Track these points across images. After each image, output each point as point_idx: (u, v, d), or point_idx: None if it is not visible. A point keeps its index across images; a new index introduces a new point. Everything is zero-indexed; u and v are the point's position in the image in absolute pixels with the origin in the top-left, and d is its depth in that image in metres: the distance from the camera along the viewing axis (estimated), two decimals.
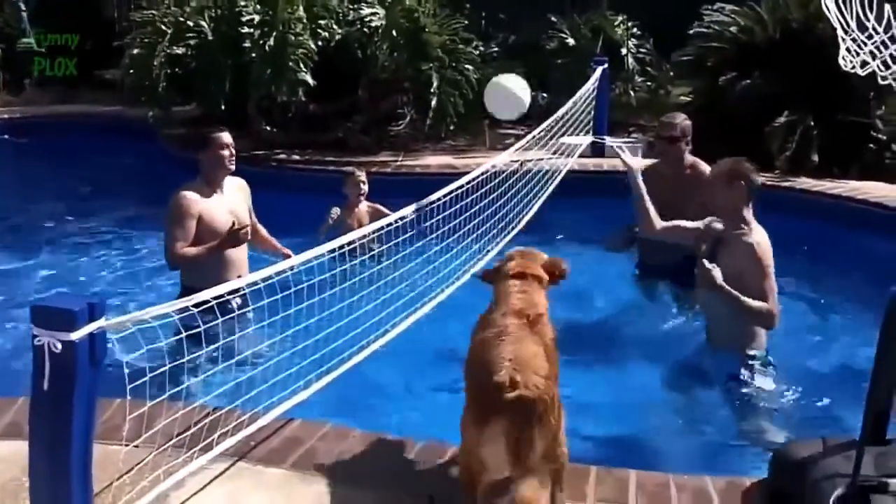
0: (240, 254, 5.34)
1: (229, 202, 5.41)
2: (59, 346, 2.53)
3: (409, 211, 4.64)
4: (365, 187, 6.74)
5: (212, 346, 3.45)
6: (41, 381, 2.57)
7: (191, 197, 5.21)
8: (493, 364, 2.86)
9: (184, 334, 3.16)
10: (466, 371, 3.12)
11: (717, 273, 4.52)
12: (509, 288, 3.35)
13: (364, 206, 6.71)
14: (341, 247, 4.01)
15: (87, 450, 2.67)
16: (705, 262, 4.56)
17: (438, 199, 4.83)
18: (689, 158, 6.00)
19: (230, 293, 3.49)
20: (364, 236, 4.27)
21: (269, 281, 3.52)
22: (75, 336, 2.54)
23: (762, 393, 4.54)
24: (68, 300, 2.60)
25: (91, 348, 2.59)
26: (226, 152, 5.33)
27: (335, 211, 6.56)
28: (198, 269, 5.08)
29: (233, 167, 5.39)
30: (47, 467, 2.67)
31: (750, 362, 4.61)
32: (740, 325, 4.62)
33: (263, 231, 5.73)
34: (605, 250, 6.52)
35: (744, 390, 4.56)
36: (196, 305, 3.14)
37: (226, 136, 5.37)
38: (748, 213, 4.69)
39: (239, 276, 4.88)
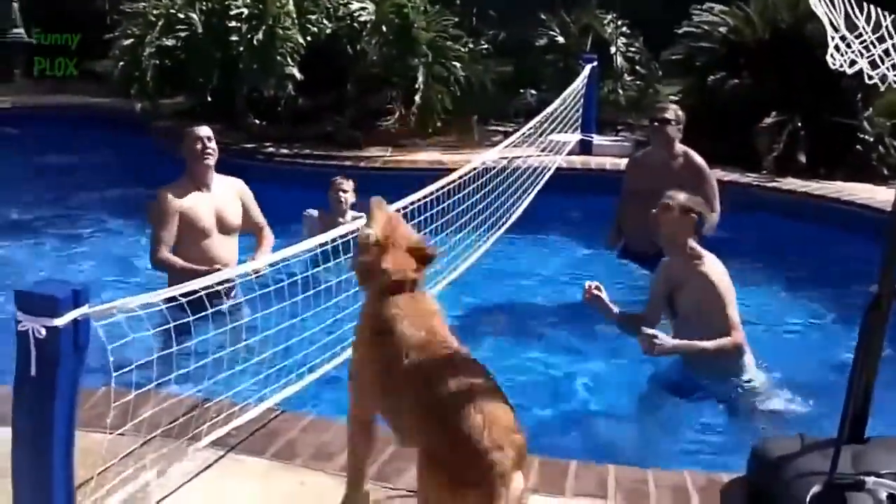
0: (227, 254, 5.30)
1: (217, 201, 5.34)
2: (44, 331, 2.54)
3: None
4: (348, 196, 6.32)
5: (198, 339, 3.44)
6: (27, 366, 2.58)
7: (169, 196, 5.19)
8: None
9: (171, 324, 3.15)
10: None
11: (663, 338, 4.35)
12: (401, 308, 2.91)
13: (350, 217, 6.11)
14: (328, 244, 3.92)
15: (69, 436, 2.68)
16: (646, 329, 4.38)
17: (427, 196, 4.78)
18: (681, 147, 6.08)
19: (219, 283, 3.46)
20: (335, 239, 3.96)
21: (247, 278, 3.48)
22: (59, 322, 2.54)
23: (744, 392, 4.57)
24: (52, 287, 2.61)
25: (75, 335, 2.60)
26: (198, 146, 5.22)
27: (309, 214, 6.41)
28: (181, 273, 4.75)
29: (210, 162, 5.27)
30: (29, 453, 2.67)
31: (738, 388, 4.56)
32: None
33: (265, 237, 5.52)
34: (607, 248, 6.59)
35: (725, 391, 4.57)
36: (184, 296, 3.14)
37: (201, 130, 5.29)
38: (693, 243, 4.67)
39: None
